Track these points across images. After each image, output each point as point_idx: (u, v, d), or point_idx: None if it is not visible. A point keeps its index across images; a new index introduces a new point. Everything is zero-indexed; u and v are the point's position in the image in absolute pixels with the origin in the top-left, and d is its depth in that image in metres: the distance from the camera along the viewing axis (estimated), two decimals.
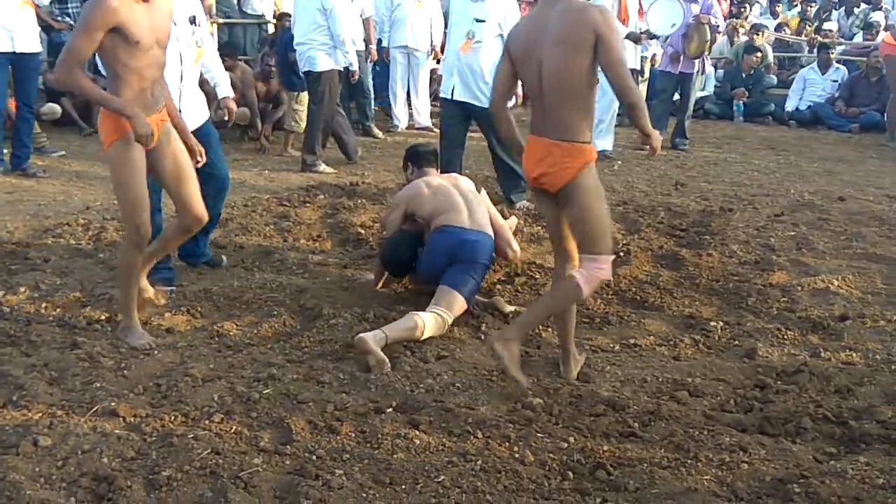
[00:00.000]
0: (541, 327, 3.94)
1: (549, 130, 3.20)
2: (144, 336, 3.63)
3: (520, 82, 3.44)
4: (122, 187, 3.49)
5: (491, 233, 4.13)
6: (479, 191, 4.40)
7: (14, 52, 6.16)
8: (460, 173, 5.20)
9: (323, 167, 7.21)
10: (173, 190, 3.69)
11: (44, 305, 4.00)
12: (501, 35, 5.74)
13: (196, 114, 4.26)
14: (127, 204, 3.50)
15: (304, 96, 7.56)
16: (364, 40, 8.69)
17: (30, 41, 6.12)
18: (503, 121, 3.43)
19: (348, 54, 7.06)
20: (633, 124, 3.44)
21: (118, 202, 3.62)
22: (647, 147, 3.27)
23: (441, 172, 4.74)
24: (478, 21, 5.91)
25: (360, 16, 8.61)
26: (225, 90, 4.62)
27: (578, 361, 3.52)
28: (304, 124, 7.60)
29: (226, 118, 4.78)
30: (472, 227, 4.05)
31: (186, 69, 4.20)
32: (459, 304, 3.87)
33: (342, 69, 7.14)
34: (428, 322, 3.70)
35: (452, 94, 6.02)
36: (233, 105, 4.69)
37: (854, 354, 3.72)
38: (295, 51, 7.21)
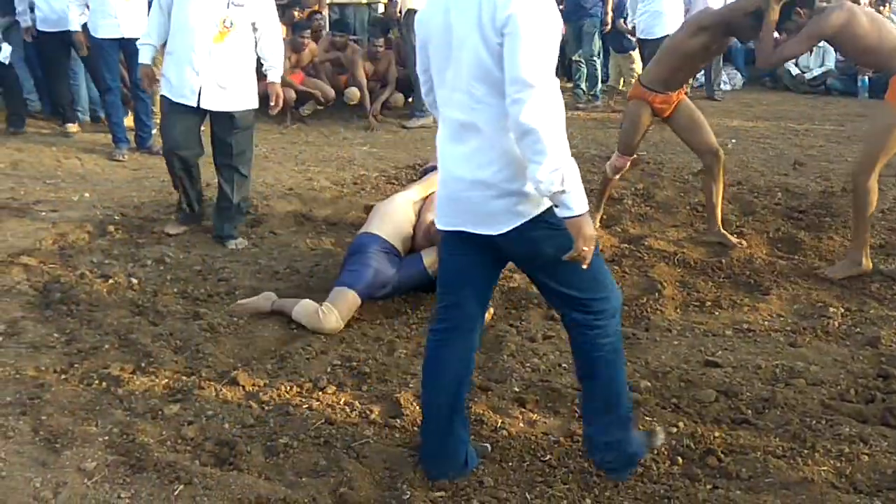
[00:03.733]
0: (649, 311, 3.89)
1: None
2: None
3: None
4: None
5: (379, 231, 3.99)
6: None
7: (122, 38, 6.48)
8: None
9: None
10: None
11: (168, 277, 4.22)
12: None
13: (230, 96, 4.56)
14: None
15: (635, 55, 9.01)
16: None
17: (136, 27, 6.40)
18: None
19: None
20: None
21: None
22: None
23: None
24: None
25: None
26: (273, 75, 4.78)
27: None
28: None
29: (271, 103, 4.84)
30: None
31: (215, 46, 4.45)
32: (344, 298, 3.71)
33: None
34: (304, 308, 3.69)
35: None
36: (278, 89, 4.83)
37: None
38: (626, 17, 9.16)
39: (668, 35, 8.21)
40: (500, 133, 2.24)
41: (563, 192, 2.14)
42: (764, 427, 2.85)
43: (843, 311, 3.91)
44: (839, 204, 5.49)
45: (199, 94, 4.50)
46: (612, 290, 2.48)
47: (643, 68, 8.71)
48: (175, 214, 5.01)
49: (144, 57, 4.69)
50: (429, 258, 3.98)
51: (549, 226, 2.29)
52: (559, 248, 2.25)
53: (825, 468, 2.59)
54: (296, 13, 9.03)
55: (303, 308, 3.69)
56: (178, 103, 4.55)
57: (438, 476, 2.54)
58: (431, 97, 2.53)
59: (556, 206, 2.20)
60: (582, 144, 7.53)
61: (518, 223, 2.30)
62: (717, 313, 3.96)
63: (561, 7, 9.35)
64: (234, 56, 4.53)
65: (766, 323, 3.82)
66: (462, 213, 2.38)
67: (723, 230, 4.82)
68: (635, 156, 5.05)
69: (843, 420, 2.87)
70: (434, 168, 4.45)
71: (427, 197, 4.25)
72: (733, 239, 4.76)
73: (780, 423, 2.88)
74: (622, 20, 9.47)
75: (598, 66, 9.51)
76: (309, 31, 8.29)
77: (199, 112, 4.59)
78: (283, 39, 8.21)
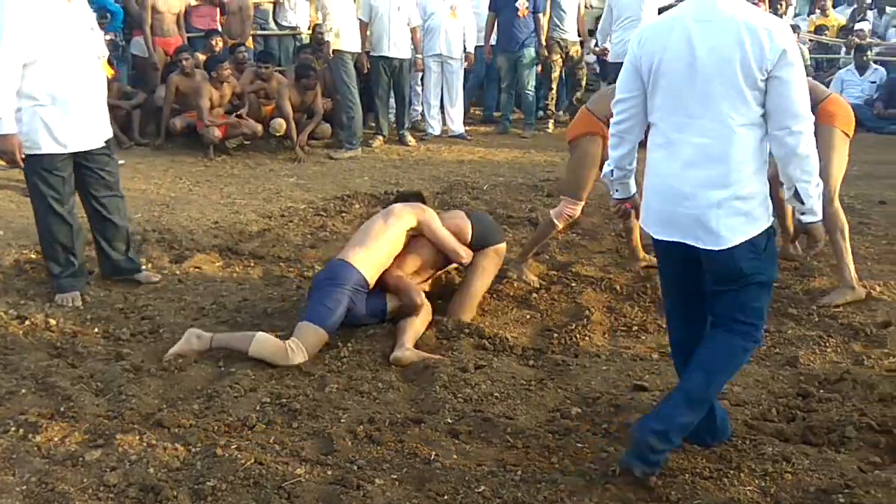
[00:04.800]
0: (578, 337, 3.95)
1: None
2: None
3: None
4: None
5: (359, 265, 3.85)
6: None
7: None
8: None
9: None
10: None
11: (88, 317, 4.09)
12: None
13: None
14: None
15: None
16: (411, 49, 8.80)
17: None
18: None
19: None
20: None
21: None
22: None
23: None
24: None
25: (408, 24, 8.70)
26: None
27: None
28: None
29: None
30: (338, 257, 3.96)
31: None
32: (314, 335, 3.66)
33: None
34: (265, 343, 3.58)
35: None
36: None
37: None
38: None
39: None
40: (745, 158, 2.58)
41: (817, 202, 2.61)
42: (691, 449, 2.91)
43: (763, 332, 4.03)
44: None
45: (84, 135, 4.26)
46: (764, 322, 2.82)
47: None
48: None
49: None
50: (392, 304, 3.95)
51: (754, 248, 2.62)
52: (754, 271, 2.63)
53: (751, 487, 2.65)
54: (217, 42, 8.91)
55: (263, 343, 3.58)
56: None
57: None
58: (625, 125, 2.82)
59: (804, 214, 2.63)
60: (509, 173, 7.63)
61: (740, 240, 2.60)
62: (643, 337, 4.05)
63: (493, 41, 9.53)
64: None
65: None
66: (686, 227, 2.66)
67: (644, 254, 4.91)
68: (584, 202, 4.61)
69: (767, 440, 2.95)
70: (416, 196, 4.38)
71: (413, 229, 4.08)
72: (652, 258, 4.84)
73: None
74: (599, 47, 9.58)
75: (533, 98, 9.69)
76: (225, 63, 8.18)
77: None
78: (203, 74, 8.18)
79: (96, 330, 3.95)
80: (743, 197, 2.59)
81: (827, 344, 3.90)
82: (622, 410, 3.21)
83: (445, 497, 2.62)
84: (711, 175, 2.60)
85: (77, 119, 4.17)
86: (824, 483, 2.66)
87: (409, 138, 9.11)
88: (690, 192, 2.63)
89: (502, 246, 4.35)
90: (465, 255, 4.16)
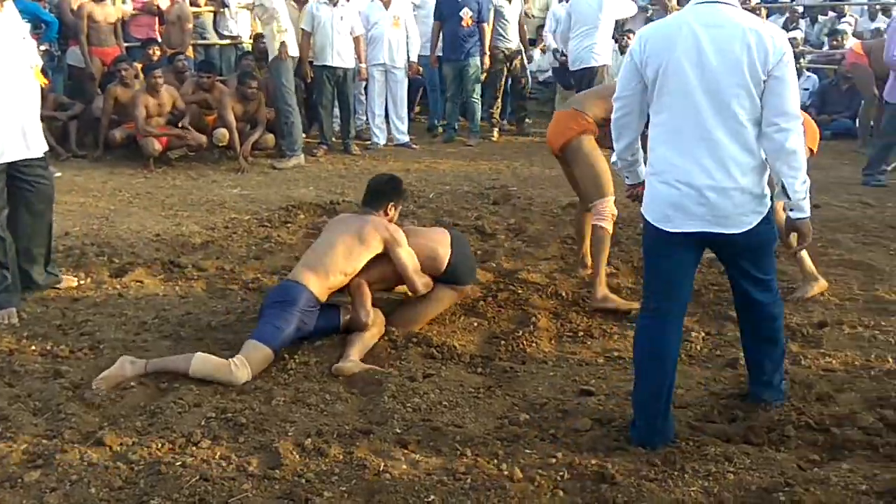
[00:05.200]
0: (525, 344, 3.98)
1: None
2: None
3: None
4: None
5: (311, 286, 3.77)
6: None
7: None
8: None
9: None
10: None
11: (25, 334, 3.97)
12: None
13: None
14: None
15: None
16: (354, 58, 8.78)
17: None
18: None
19: None
20: None
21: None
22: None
23: None
24: None
25: (350, 34, 8.67)
26: None
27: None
28: None
29: None
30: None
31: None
32: (260, 354, 3.59)
33: None
34: (205, 362, 3.51)
35: None
36: None
37: (833, 361, 3.77)
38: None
39: (602, 65, 8.64)
40: (749, 149, 2.84)
41: (804, 198, 2.87)
42: (637, 452, 2.95)
43: (703, 334, 4.12)
44: None
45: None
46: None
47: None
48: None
49: None
50: (346, 316, 3.91)
51: (768, 223, 2.93)
52: (771, 241, 2.98)
53: (694, 488, 2.70)
54: (155, 52, 8.76)
55: (203, 362, 3.50)
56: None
57: (653, 446, 2.95)
58: (625, 119, 3.07)
59: (792, 210, 2.90)
60: (455, 182, 7.67)
61: (756, 221, 2.88)
62: (589, 343, 4.09)
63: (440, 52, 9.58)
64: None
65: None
66: (704, 216, 2.87)
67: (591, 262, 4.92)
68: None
69: (709, 441, 3.01)
70: (393, 182, 4.21)
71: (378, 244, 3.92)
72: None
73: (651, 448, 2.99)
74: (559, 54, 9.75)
75: (478, 106, 9.75)
76: (158, 70, 8.04)
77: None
78: (141, 84, 8.05)
79: (33, 347, 3.84)
80: (752, 183, 2.87)
81: None
82: (569, 415, 3.24)
83: None
84: (724, 167, 2.84)
85: (9, 129, 4.06)
86: (765, 482, 2.72)
87: (354, 148, 9.09)
88: (706, 185, 2.85)
89: (468, 289, 4.31)
90: (423, 287, 4.01)
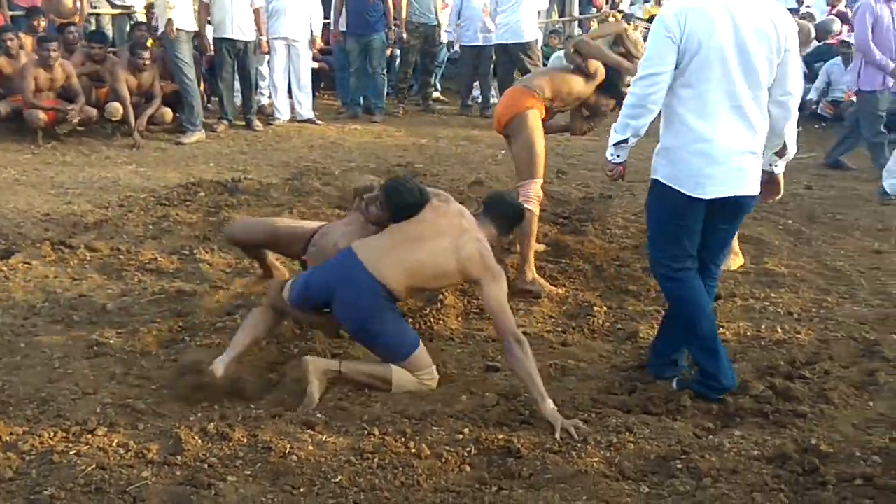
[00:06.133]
0: (432, 321, 3.99)
1: None
2: None
3: None
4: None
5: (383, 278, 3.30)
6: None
7: None
8: None
9: None
10: None
11: None
12: None
13: None
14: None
15: None
16: (255, 31, 8.54)
17: None
18: None
19: None
20: None
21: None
22: None
23: None
24: None
25: (250, 5, 8.42)
26: None
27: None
28: None
29: None
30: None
31: None
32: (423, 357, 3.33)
33: None
34: (404, 378, 3.27)
35: None
36: None
37: (727, 332, 3.92)
38: None
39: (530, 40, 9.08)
40: (765, 115, 3.13)
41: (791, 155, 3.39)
42: (540, 426, 3.00)
43: (605, 309, 4.23)
44: (598, 209, 5.94)
45: None
46: None
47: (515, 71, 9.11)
48: None
49: None
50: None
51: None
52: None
53: (596, 459, 2.77)
54: (40, 22, 8.29)
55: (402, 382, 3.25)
56: None
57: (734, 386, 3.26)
58: (657, 95, 3.08)
59: (780, 163, 3.43)
60: (361, 158, 7.59)
61: (759, 181, 3.21)
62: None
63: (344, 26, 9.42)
64: None
65: (538, 325, 4.05)
66: (734, 180, 3.10)
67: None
68: None
69: (610, 412, 3.10)
70: (516, 212, 3.69)
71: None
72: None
73: None
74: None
75: (383, 81, 9.67)
76: (54, 44, 7.63)
77: None
78: (29, 55, 7.62)
79: None
80: (762, 146, 3.18)
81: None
82: (475, 392, 3.27)
83: (301, 490, 2.58)
84: (751, 134, 3.11)
85: None
86: (663, 450, 2.82)
87: (257, 123, 8.87)
88: (738, 150, 3.09)
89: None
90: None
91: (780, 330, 3.93)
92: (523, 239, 4.49)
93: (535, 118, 4.45)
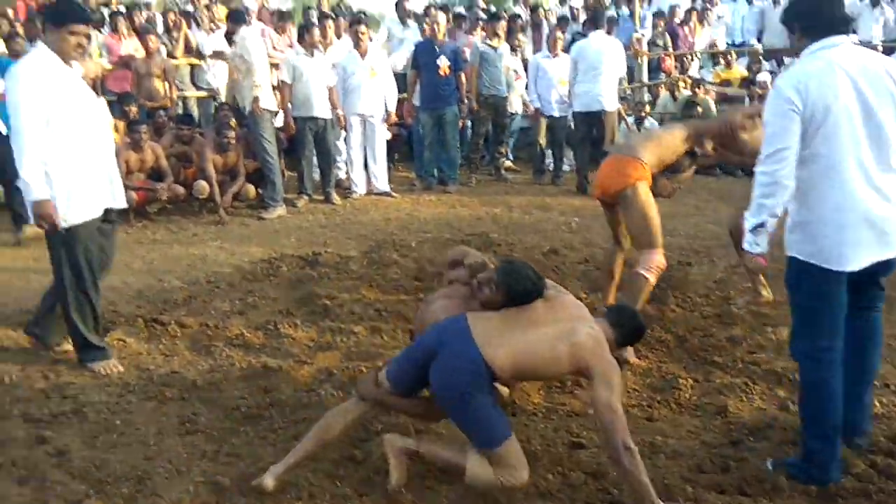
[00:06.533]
0: (514, 395, 3.96)
1: None
2: None
3: None
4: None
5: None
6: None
7: None
8: None
9: None
10: None
11: (7, 399, 3.90)
12: None
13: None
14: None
15: None
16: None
17: None
18: None
19: None
20: None
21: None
22: None
23: None
24: None
25: (325, 85, 8.75)
26: None
27: None
28: None
29: None
30: None
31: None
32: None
33: None
34: (479, 471, 3.02)
35: None
36: None
37: None
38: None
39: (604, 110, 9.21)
40: (894, 171, 3.03)
41: None
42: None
43: (691, 382, 4.13)
44: (677, 276, 5.85)
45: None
46: None
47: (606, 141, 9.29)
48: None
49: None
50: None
51: None
52: None
53: None
54: (132, 108, 8.74)
55: (478, 472, 3.01)
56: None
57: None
58: (787, 171, 2.97)
59: None
60: (436, 230, 7.69)
61: None
62: (577, 392, 4.09)
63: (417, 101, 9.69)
64: None
65: (623, 399, 3.97)
66: (875, 244, 3.03)
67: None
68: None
69: (704, 493, 3.01)
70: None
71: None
72: None
73: None
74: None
75: (457, 153, 9.87)
76: (144, 126, 8.04)
77: None
78: (121, 139, 8.04)
79: (16, 412, 3.77)
80: None
81: (753, 391, 4.01)
82: (565, 471, 3.22)
83: None
84: (882, 192, 3.00)
85: (100, 181, 4.33)
86: None
87: (335, 197, 9.11)
88: (874, 213, 3.00)
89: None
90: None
91: (878, 403, 3.77)
92: (631, 304, 4.37)
93: (644, 189, 4.43)
